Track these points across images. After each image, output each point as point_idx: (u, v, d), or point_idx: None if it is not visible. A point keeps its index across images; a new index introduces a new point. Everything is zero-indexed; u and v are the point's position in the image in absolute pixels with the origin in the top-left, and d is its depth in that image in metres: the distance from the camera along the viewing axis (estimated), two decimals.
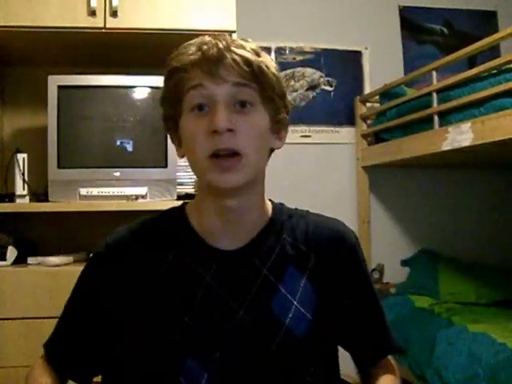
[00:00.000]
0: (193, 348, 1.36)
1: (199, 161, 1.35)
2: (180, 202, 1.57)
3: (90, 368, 1.50)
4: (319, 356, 1.46)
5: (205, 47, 1.35)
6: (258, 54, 1.38)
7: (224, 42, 1.35)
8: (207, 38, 1.38)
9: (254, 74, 1.35)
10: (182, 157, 1.47)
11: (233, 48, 1.35)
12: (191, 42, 1.40)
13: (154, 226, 1.52)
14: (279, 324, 1.40)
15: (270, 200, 1.56)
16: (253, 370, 1.38)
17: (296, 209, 1.60)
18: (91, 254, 1.57)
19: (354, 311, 1.54)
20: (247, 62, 1.35)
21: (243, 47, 1.37)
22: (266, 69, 1.37)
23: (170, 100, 1.41)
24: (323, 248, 1.51)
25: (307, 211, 1.60)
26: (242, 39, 1.41)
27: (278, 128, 1.46)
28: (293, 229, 1.52)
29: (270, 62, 1.40)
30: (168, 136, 1.52)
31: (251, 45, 1.39)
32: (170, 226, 1.50)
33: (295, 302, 1.43)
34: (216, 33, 1.45)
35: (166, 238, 1.48)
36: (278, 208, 1.56)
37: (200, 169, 1.36)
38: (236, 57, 1.34)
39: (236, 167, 1.33)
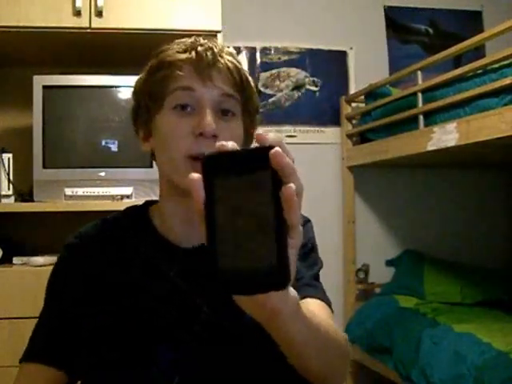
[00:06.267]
0: (163, 338, 1.35)
1: (175, 160, 1.34)
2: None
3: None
4: None
5: (200, 48, 1.35)
6: (241, 65, 1.41)
7: (218, 48, 1.37)
8: (201, 40, 1.39)
9: (242, 84, 1.38)
10: (147, 151, 1.47)
11: (224, 55, 1.37)
12: (183, 40, 1.40)
13: (116, 224, 1.52)
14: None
15: None
16: (223, 359, 1.36)
17: None
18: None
19: None
20: (238, 71, 1.38)
21: (232, 56, 1.39)
22: (250, 82, 1.41)
23: (152, 93, 1.39)
24: None
25: None
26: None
27: (248, 142, 1.47)
28: None
29: (249, 75, 1.44)
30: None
31: (235, 55, 1.42)
32: (132, 224, 1.50)
33: None
34: (201, 33, 1.45)
35: (128, 235, 1.47)
36: None
37: (174, 168, 1.35)
38: (229, 64, 1.36)
39: None
